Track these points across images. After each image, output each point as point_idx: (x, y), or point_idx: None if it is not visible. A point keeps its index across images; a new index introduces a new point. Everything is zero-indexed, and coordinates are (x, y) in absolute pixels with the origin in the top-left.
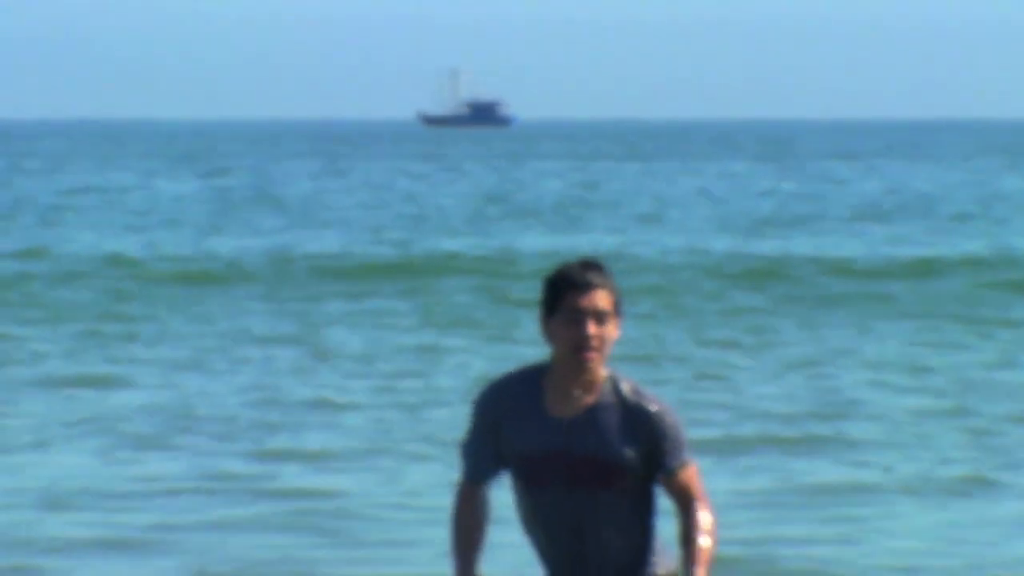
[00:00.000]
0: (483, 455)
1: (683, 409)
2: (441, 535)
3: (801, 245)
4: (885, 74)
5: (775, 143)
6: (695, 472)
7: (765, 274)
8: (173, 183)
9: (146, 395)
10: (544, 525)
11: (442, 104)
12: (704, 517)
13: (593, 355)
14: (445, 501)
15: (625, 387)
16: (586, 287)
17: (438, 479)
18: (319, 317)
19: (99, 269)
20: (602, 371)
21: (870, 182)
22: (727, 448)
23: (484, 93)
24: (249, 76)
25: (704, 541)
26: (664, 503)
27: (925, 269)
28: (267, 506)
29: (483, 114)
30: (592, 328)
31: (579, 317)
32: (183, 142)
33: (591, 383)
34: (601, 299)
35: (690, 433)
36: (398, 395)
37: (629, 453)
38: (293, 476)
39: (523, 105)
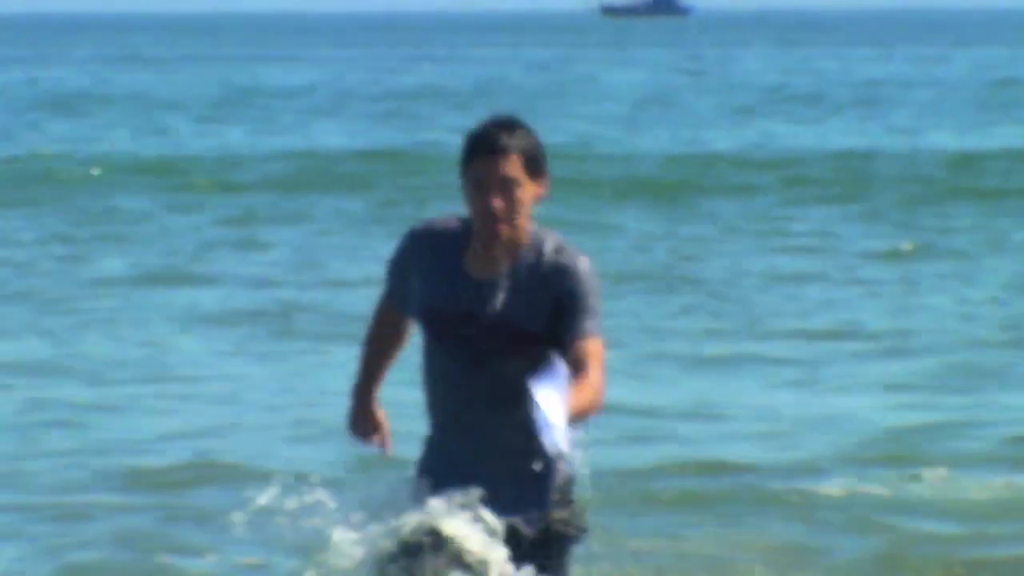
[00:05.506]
0: (406, 286)
1: None
2: None
3: None
4: None
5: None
6: (601, 347)
7: None
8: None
9: None
10: (445, 386)
11: None
12: (595, 380)
13: (501, 227)
14: None
15: (549, 245)
16: (492, 153)
17: None
18: None
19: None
20: (524, 232)
21: None
22: None
23: None
24: None
25: (585, 393)
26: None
27: None
28: None
29: (663, 4)
30: (497, 200)
31: (484, 187)
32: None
33: (510, 245)
34: (509, 166)
35: None
36: None
37: (540, 316)
38: None
39: None
